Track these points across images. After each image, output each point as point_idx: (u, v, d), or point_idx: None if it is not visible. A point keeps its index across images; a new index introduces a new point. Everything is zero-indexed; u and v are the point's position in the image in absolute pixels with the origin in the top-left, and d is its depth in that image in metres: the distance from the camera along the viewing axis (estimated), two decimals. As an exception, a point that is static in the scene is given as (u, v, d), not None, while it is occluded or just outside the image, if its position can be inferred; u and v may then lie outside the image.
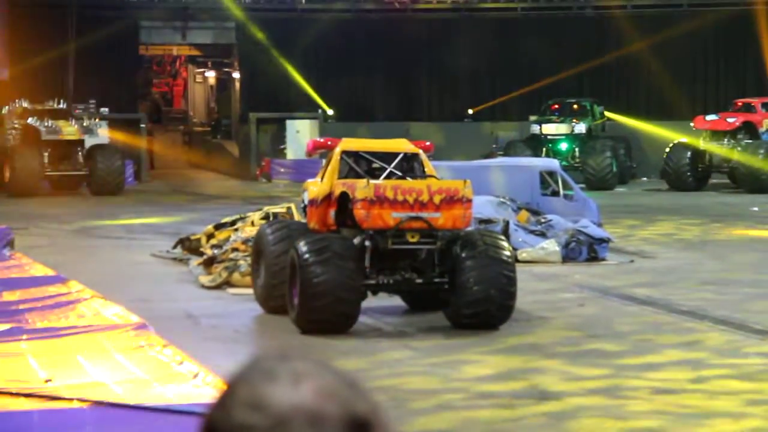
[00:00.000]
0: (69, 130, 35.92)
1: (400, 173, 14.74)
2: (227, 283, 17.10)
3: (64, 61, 41.17)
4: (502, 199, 20.27)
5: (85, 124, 37.13)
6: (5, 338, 9.48)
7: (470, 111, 44.28)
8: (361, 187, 13.74)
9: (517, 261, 19.23)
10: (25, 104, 36.75)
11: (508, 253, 14.06)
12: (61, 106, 37.30)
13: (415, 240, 13.93)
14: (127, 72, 44.34)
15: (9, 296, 11.84)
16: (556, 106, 40.15)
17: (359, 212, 13.77)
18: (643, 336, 13.38)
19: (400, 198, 13.77)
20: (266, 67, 43.68)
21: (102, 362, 8.63)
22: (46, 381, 7.89)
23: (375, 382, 10.78)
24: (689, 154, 36.66)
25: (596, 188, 35.25)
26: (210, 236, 19.75)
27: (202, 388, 7.70)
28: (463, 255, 13.79)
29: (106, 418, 7.32)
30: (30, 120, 36.07)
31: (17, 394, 7.49)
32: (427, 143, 16.17)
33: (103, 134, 38.64)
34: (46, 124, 35.82)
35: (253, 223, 19.19)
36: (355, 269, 13.57)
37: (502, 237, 14.90)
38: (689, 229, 25.23)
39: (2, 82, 40.04)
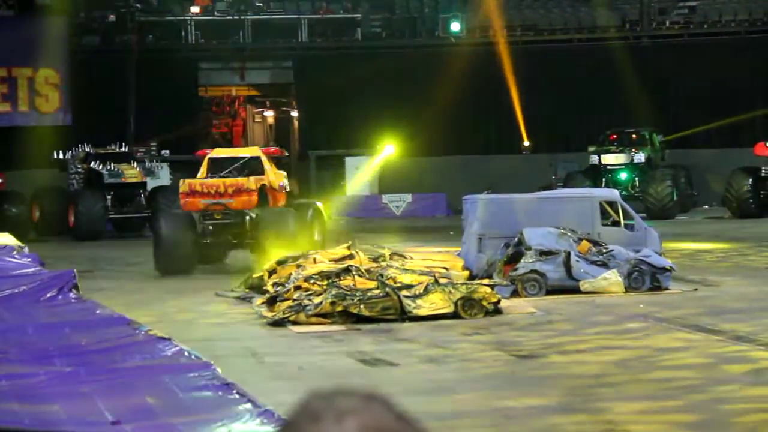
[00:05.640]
0: (131, 173, 36.32)
1: (236, 173, 24.25)
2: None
3: (125, 104, 41.64)
4: (562, 230, 20.19)
5: (147, 166, 37.52)
6: (72, 380, 9.58)
7: (526, 143, 44.09)
8: (181, 185, 23.88)
9: (580, 292, 19.20)
10: (88, 148, 37.22)
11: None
12: (123, 149, 37.73)
13: (219, 217, 23.53)
14: (188, 114, 44.73)
15: (75, 338, 11.96)
16: (615, 136, 39.92)
17: (181, 200, 23.84)
18: (711, 365, 13.23)
19: (205, 191, 23.47)
20: (324, 105, 43.91)
21: (168, 402, 8.70)
22: (114, 422, 7.97)
23: (436, 420, 10.76)
24: (750, 180, 36.29)
25: (657, 217, 34.94)
26: (272, 272, 19.88)
27: (266, 426, 7.74)
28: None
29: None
30: (93, 164, 36.52)
31: (86, 435, 7.56)
32: (272, 149, 27.10)
33: (165, 176, 39.04)
34: (108, 167, 36.24)
35: (315, 261, 19.30)
36: (191, 232, 23.59)
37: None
38: (752, 256, 24.96)
39: (65, 128, 40.58)
